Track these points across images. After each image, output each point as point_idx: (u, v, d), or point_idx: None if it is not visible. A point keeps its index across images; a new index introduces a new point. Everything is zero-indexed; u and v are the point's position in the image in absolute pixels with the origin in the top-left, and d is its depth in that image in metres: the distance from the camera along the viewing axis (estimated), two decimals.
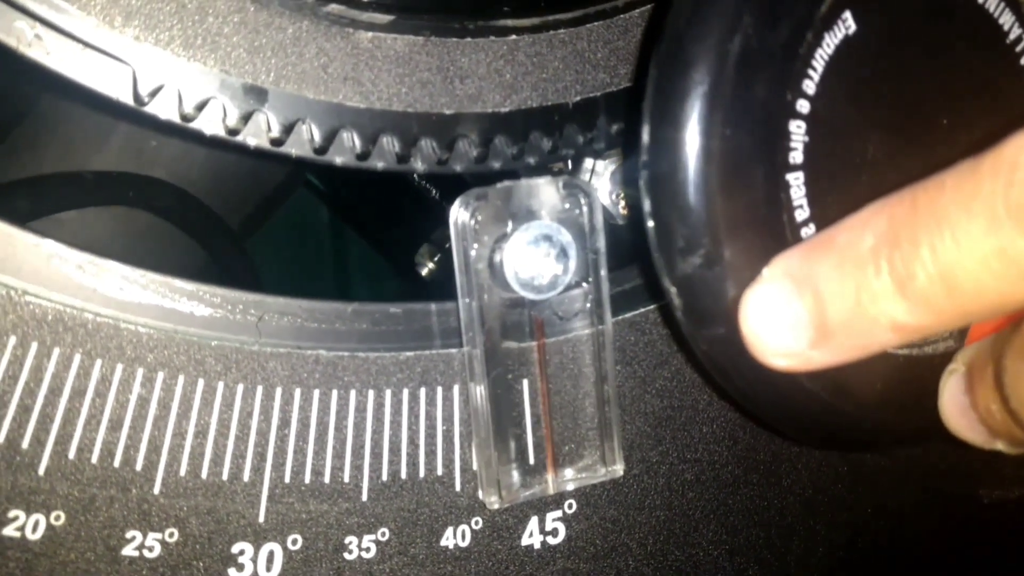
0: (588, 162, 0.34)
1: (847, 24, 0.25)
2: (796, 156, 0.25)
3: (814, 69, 0.25)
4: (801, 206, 0.25)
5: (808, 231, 0.25)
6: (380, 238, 0.54)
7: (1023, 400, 0.23)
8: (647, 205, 0.25)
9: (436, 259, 0.48)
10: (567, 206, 0.29)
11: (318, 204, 0.82)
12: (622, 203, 0.34)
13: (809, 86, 0.25)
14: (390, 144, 0.29)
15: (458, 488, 0.30)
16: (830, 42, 0.25)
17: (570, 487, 0.31)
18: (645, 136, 0.25)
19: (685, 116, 0.24)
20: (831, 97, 0.25)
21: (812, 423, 0.27)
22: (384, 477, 0.29)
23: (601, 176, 0.34)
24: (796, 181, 0.25)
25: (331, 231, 0.90)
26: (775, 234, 0.24)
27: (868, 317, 0.22)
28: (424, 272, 0.49)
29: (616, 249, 0.31)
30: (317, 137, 0.28)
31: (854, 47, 0.25)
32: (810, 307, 0.23)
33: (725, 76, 0.23)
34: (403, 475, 0.29)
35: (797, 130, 0.25)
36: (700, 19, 0.24)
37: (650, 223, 0.25)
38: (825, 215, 0.25)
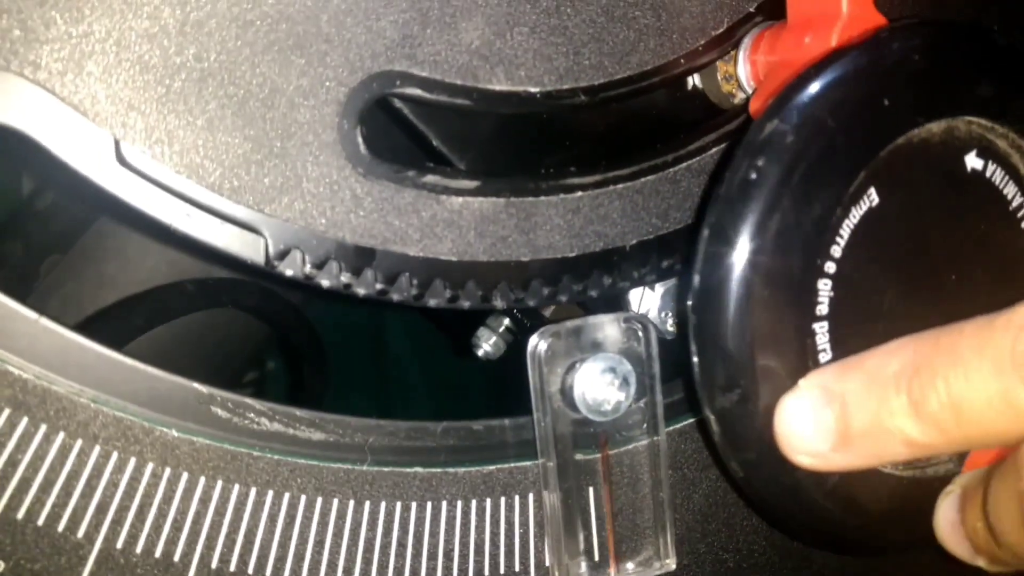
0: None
1: (871, 198, 0.29)
2: (822, 308, 0.29)
3: (841, 237, 0.29)
4: (824, 350, 0.29)
5: None
6: (438, 316, 0.58)
7: (1001, 521, 0.27)
8: (693, 347, 0.29)
9: (491, 343, 0.53)
10: (627, 339, 0.34)
11: None
12: (670, 320, 0.39)
13: (836, 251, 0.29)
14: (474, 288, 0.33)
15: None
16: (856, 214, 0.29)
17: None
18: (695, 284, 0.29)
19: (729, 278, 0.28)
20: (854, 259, 0.29)
21: (826, 534, 0.32)
22: (471, 575, 0.34)
23: (651, 296, 0.39)
24: (821, 329, 0.29)
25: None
26: (801, 376, 0.29)
27: (884, 430, 0.26)
28: (480, 353, 0.53)
29: (666, 361, 0.36)
30: (415, 287, 0.32)
31: (876, 217, 0.29)
32: (837, 416, 0.27)
33: (764, 247, 0.28)
34: (486, 572, 0.34)
35: (824, 287, 0.29)
36: (746, 198, 0.28)
37: (695, 360, 0.29)
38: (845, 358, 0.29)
